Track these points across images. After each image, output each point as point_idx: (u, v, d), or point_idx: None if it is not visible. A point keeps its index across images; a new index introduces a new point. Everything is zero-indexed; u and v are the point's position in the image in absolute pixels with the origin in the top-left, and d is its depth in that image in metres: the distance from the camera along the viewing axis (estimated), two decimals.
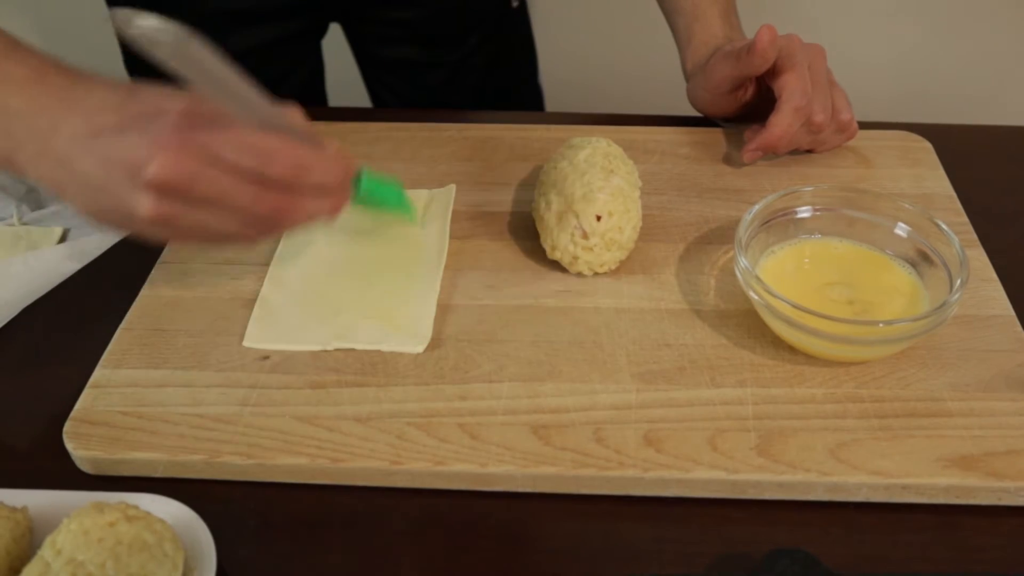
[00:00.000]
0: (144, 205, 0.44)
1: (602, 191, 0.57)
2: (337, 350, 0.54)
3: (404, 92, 0.96)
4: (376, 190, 0.54)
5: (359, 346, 0.54)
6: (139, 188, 0.44)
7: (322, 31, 0.93)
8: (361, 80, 1.00)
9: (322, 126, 0.74)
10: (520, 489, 0.48)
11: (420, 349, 0.54)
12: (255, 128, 0.45)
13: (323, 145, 0.48)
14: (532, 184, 0.66)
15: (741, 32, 0.73)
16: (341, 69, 0.99)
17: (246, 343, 0.55)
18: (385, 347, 0.54)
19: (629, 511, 0.48)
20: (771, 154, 0.68)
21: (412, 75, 0.94)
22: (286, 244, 0.62)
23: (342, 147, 0.49)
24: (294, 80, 0.93)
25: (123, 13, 0.39)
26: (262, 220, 0.46)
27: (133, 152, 0.44)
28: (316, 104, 0.98)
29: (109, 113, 0.45)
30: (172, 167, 0.43)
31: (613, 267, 0.59)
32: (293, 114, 0.48)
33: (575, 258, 0.58)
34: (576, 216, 0.57)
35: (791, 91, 0.64)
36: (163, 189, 0.43)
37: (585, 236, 0.57)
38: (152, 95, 0.46)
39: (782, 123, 0.64)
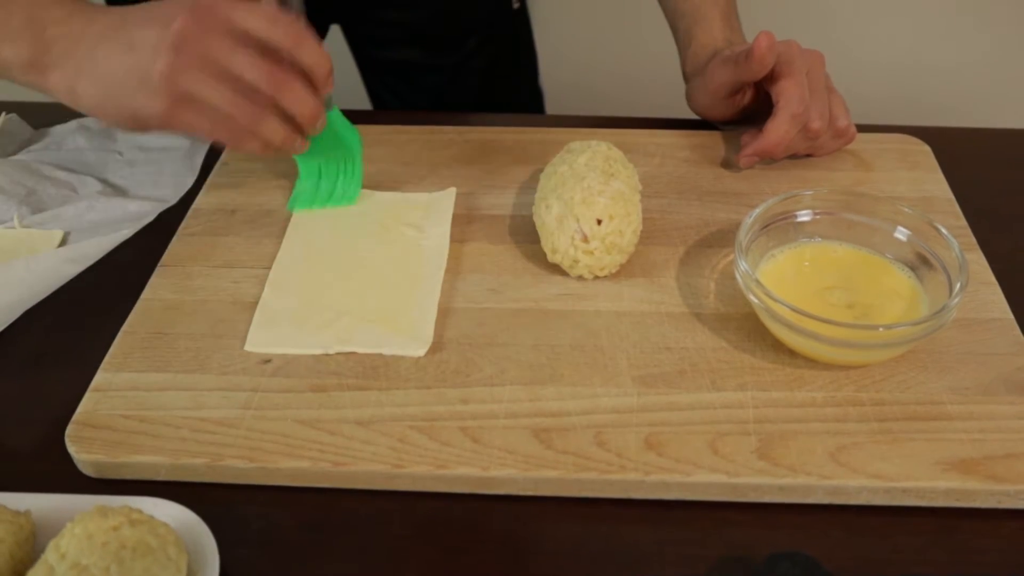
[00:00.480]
0: (161, 62, 0.51)
1: (602, 195, 0.57)
2: (338, 354, 0.54)
3: (404, 94, 0.96)
4: (338, 119, 0.62)
5: (360, 349, 0.55)
6: (160, 51, 0.51)
7: (322, 33, 0.94)
8: (360, 83, 1.00)
9: None
10: (522, 492, 0.49)
11: (421, 352, 0.54)
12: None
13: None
14: (533, 187, 0.67)
15: (742, 35, 0.73)
16: (340, 72, 0.99)
17: (248, 347, 0.55)
18: (386, 350, 0.54)
19: (630, 514, 0.48)
20: (768, 159, 0.68)
21: (412, 77, 0.94)
22: (286, 248, 0.62)
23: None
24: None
25: None
26: (256, 90, 0.53)
27: (159, 27, 0.52)
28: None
29: (138, 11, 0.53)
30: (190, 27, 0.51)
31: (614, 270, 0.59)
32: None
33: (575, 261, 0.58)
34: (577, 220, 0.57)
35: (788, 97, 0.64)
36: (180, 47, 0.51)
37: (586, 240, 0.57)
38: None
39: (779, 129, 0.64)
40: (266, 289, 0.59)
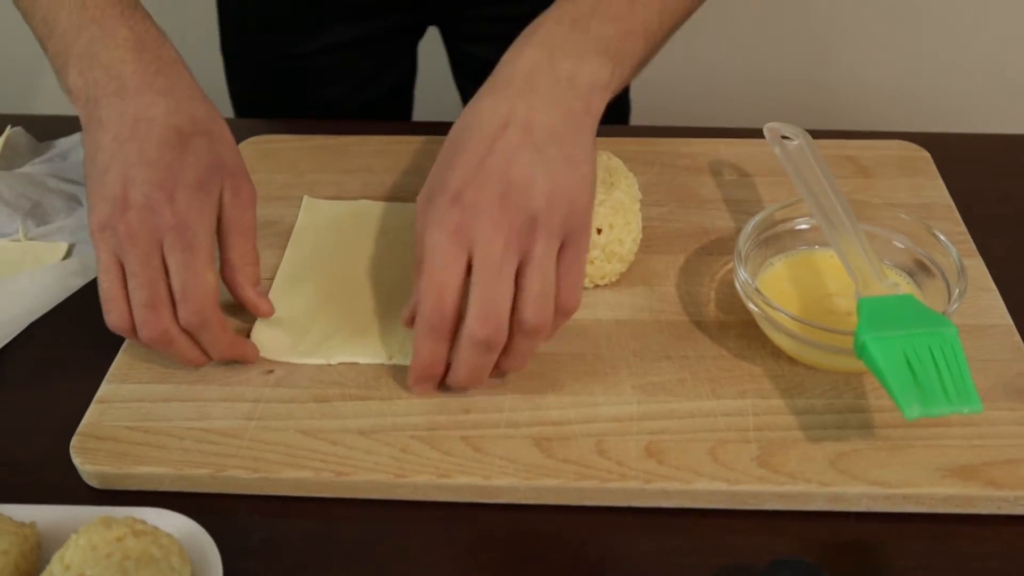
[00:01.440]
0: (131, 200, 0.51)
1: (602, 204, 0.57)
2: (340, 364, 0.55)
3: None
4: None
5: (363, 360, 0.55)
6: (134, 195, 0.51)
7: (420, 32, 0.92)
8: (447, 88, 0.98)
9: (320, 139, 0.75)
10: (523, 501, 0.49)
11: None
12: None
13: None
14: None
15: (600, 43, 0.52)
16: (434, 77, 0.99)
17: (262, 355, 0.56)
18: (389, 361, 0.55)
19: (631, 522, 0.48)
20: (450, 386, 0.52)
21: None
22: (289, 259, 0.63)
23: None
24: (384, 80, 0.92)
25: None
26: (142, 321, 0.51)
27: (111, 189, 0.51)
28: (401, 109, 0.98)
29: (143, 140, 0.51)
30: (140, 214, 0.50)
31: (614, 279, 0.59)
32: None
33: None
34: None
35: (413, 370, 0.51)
36: (103, 236, 0.51)
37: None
38: (189, 160, 0.52)
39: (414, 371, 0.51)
40: (271, 296, 0.59)
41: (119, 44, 0.53)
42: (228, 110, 0.94)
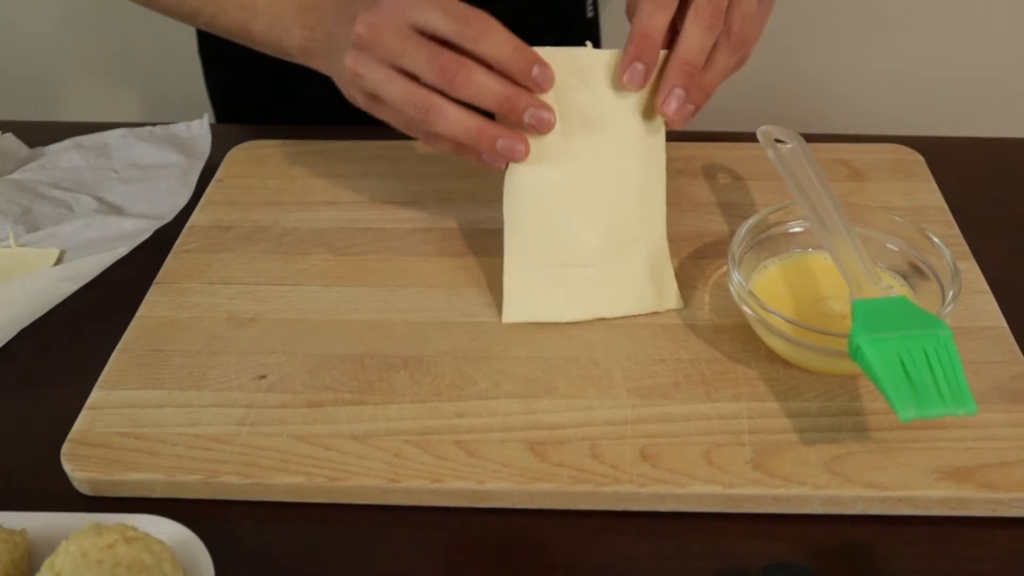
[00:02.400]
0: (348, 62, 0.53)
1: None
2: (334, 368, 0.55)
3: None
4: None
5: (618, 313, 0.56)
6: (347, 51, 0.53)
7: None
8: None
9: (313, 144, 0.75)
10: (517, 505, 0.49)
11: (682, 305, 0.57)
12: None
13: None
14: None
15: None
16: None
17: (505, 319, 0.56)
18: (642, 309, 0.56)
19: (626, 526, 0.48)
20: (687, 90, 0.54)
21: None
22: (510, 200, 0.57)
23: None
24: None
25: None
26: (436, 77, 0.51)
27: (347, 24, 0.53)
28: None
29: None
30: (366, 28, 0.51)
31: None
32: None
33: None
34: None
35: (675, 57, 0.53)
36: (360, 47, 0.52)
37: None
38: None
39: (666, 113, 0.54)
40: (506, 256, 0.57)
41: None
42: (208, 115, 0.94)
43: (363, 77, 0.53)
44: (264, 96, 0.90)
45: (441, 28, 0.50)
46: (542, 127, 0.52)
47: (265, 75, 0.88)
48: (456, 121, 0.52)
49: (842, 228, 0.54)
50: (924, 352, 0.47)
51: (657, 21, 0.51)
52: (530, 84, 0.51)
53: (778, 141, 0.60)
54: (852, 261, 0.53)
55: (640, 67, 0.52)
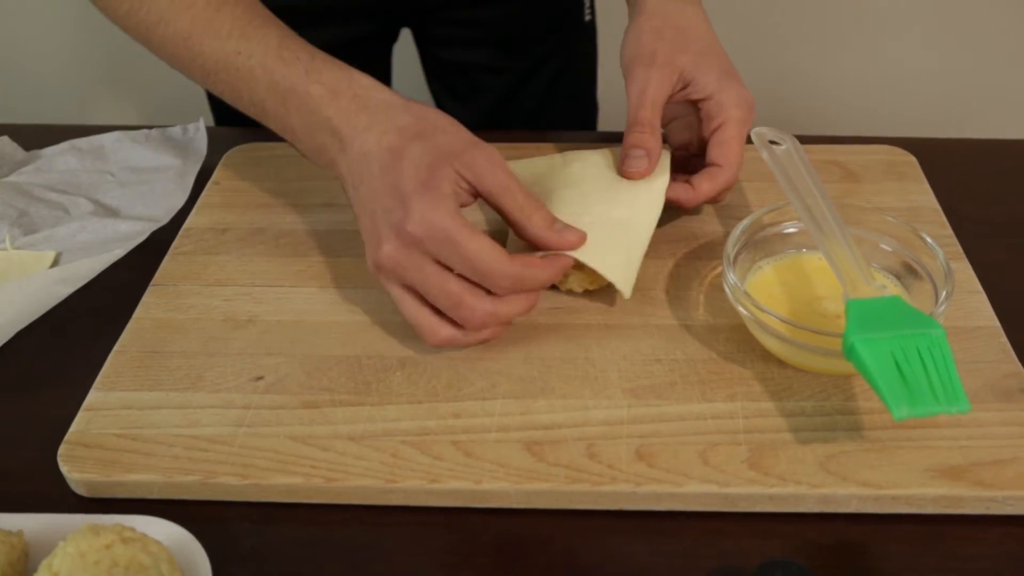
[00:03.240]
0: (384, 246, 0.52)
1: None
2: (330, 370, 0.55)
3: (467, 98, 0.94)
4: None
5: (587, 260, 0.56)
6: (384, 234, 0.52)
7: (394, 36, 0.93)
8: (421, 92, 0.98)
9: None
10: (514, 505, 0.49)
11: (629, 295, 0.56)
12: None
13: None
14: None
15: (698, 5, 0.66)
16: (409, 76, 0.99)
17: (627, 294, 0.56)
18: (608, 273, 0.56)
19: (623, 526, 0.48)
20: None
21: (478, 82, 0.92)
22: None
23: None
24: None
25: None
26: (453, 308, 0.52)
27: (366, 234, 0.54)
28: None
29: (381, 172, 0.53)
30: (392, 253, 0.52)
31: (604, 283, 0.60)
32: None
33: (566, 276, 0.58)
34: None
35: (729, 162, 0.61)
36: (382, 264, 0.53)
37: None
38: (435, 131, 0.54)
39: (709, 192, 0.61)
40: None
41: (319, 105, 0.55)
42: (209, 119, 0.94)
43: (384, 272, 0.54)
44: None
45: (456, 268, 0.52)
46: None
47: None
48: (490, 318, 0.53)
49: (836, 229, 0.55)
50: (918, 351, 0.47)
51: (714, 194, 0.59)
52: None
53: (772, 143, 0.61)
54: (846, 261, 0.53)
55: (640, 153, 0.58)
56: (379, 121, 0.54)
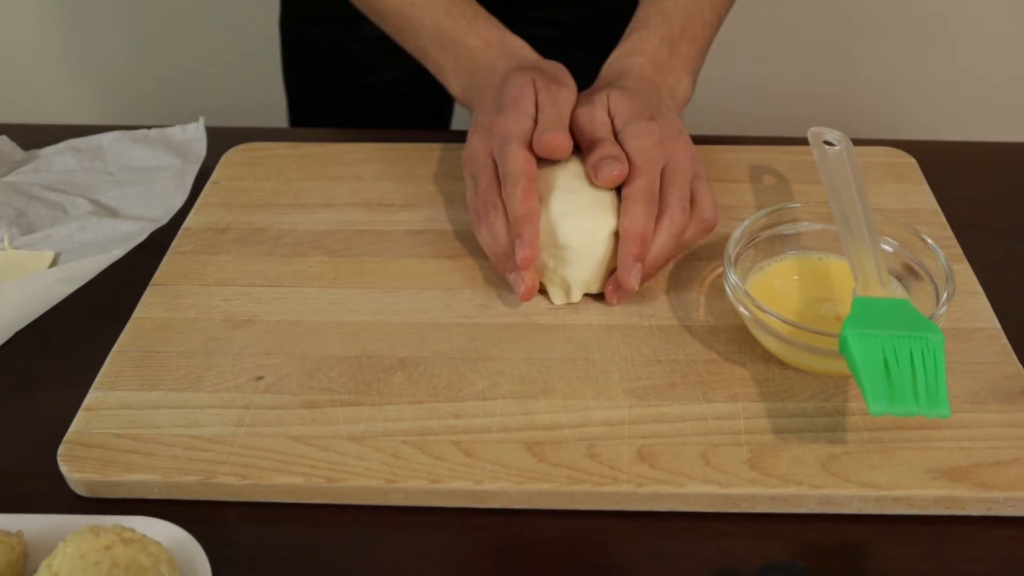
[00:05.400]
0: (471, 139, 0.63)
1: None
2: (331, 370, 0.55)
3: None
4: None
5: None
6: (474, 130, 0.64)
7: None
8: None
9: (308, 147, 0.75)
10: (515, 506, 0.49)
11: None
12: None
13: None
14: None
15: (688, 64, 0.67)
16: None
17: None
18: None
19: (624, 526, 0.48)
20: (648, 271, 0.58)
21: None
22: None
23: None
24: (431, 100, 0.96)
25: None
26: (473, 205, 0.61)
27: (489, 112, 0.62)
28: (441, 124, 1.01)
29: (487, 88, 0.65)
30: (474, 144, 0.62)
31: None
32: None
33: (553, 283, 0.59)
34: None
35: (625, 232, 0.57)
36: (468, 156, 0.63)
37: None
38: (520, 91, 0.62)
39: (626, 282, 0.56)
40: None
41: (474, 53, 0.67)
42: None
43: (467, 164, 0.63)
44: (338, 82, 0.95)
45: (501, 171, 0.59)
46: (517, 290, 0.57)
47: (345, 58, 0.93)
48: (487, 236, 0.59)
49: (867, 234, 0.55)
50: (910, 352, 0.47)
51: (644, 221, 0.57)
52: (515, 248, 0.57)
53: (827, 143, 0.62)
54: (867, 262, 0.53)
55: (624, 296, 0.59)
56: (507, 53, 0.66)
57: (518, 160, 0.58)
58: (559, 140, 0.59)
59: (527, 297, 0.57)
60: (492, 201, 0.59)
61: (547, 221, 0.58)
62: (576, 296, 0.58)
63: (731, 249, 0.56)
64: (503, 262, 0.58)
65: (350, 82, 0.94)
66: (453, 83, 0.68)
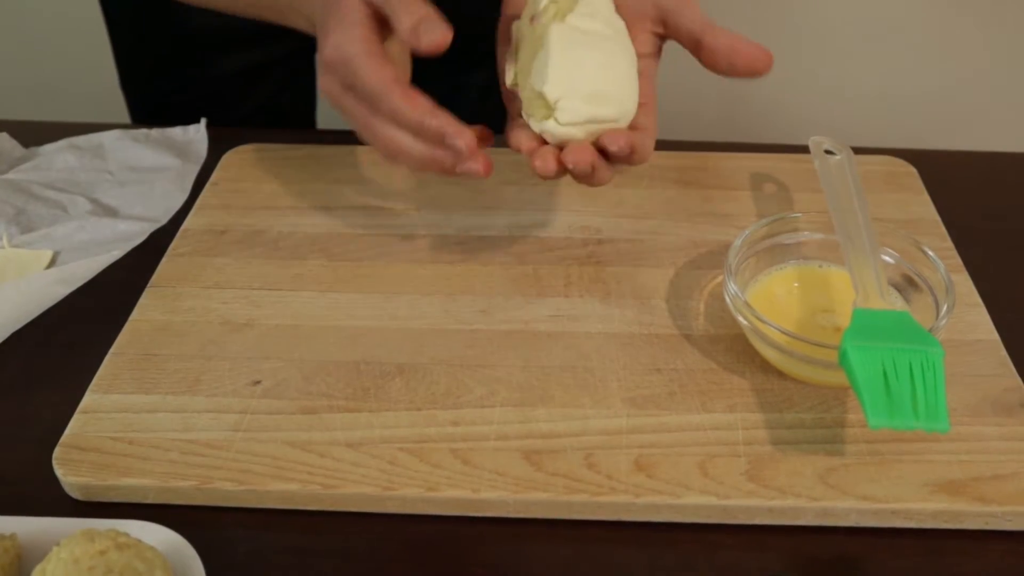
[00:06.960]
0: (319, 79, 0.54)
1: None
2: (328, 375, 0.54)
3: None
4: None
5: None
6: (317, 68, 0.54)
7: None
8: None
9: (309, 149, 0.74)
10: (512, 515, 0.48)
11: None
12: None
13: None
14: (522, 208, 0.67)
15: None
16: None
17: None
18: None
19: (621, 536, 0.48)
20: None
21: (451, 76, 0.90)
22: None
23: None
24: (285, 98, 0.92)
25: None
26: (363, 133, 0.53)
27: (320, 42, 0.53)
28: (305, 124, 0.98)
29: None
30: (322, 81, 0.54)
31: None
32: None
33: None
34: None
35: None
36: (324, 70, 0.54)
37: None
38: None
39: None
40: None
41: None
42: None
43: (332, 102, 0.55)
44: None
45: (363, 94, 0.52)
46: (476, 176, 0.50)
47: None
48: (406, 152, 0.52)
49: (867, 245, 0.55)
50: (909, 366, 0.47)
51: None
52: (453, 152, 0.50)
53: (828, 152, 0.62)
54: (867, 274, 0.53)
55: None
56: None
57: (369, 74, 0.50)
58: (477, 168, 0.50)
59: (488, 168, 0.50)
60: (379, 124, 0.51)
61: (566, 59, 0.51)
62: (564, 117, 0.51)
63: (732, 258, 0.56)
64: (440, 163, 0.51)
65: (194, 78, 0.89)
66: (301, 20, 0.60)
